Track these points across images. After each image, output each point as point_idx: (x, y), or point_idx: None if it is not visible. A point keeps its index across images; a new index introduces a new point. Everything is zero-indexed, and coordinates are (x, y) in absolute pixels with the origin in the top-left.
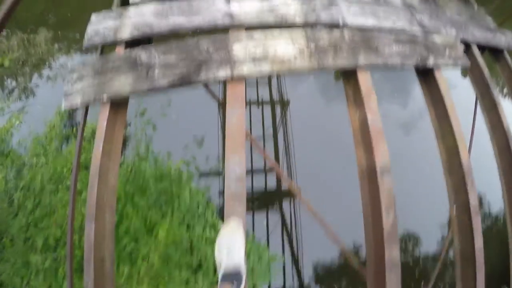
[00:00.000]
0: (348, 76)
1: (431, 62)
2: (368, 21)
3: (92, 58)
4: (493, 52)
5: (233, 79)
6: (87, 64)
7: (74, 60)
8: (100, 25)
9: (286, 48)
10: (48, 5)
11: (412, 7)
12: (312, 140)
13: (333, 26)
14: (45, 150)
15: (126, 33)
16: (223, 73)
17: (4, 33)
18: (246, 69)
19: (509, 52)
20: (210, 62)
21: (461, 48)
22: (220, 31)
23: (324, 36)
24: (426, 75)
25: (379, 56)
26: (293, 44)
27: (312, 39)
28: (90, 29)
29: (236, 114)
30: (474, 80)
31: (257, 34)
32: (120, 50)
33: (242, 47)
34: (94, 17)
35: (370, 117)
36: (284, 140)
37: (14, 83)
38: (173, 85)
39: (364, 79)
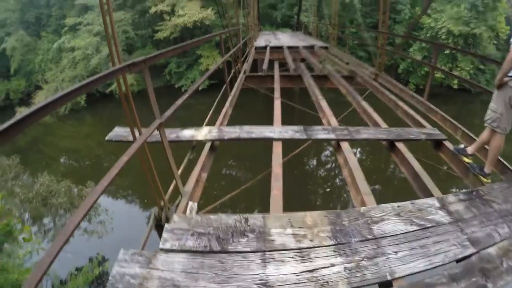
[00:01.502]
0: None
1: None
2: (419, 265)
3: None
4: None
5: None
6: None
7: (113, 216)
8: (126, 268)
9: None
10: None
11: (460, 218)
12: None
13: (381, 284)
14: None
15: None
16: None
17: (52, 176)
18: None
19: None
20: None
21: None
22: None
23: None
24: None
25: None
26: None
27: None
28: (116, 270)
29: None
30: None
31: None
32: None
33: None
34: (121, 253)
35: None
36: None
37: (51, 224)
38: None
39: None
